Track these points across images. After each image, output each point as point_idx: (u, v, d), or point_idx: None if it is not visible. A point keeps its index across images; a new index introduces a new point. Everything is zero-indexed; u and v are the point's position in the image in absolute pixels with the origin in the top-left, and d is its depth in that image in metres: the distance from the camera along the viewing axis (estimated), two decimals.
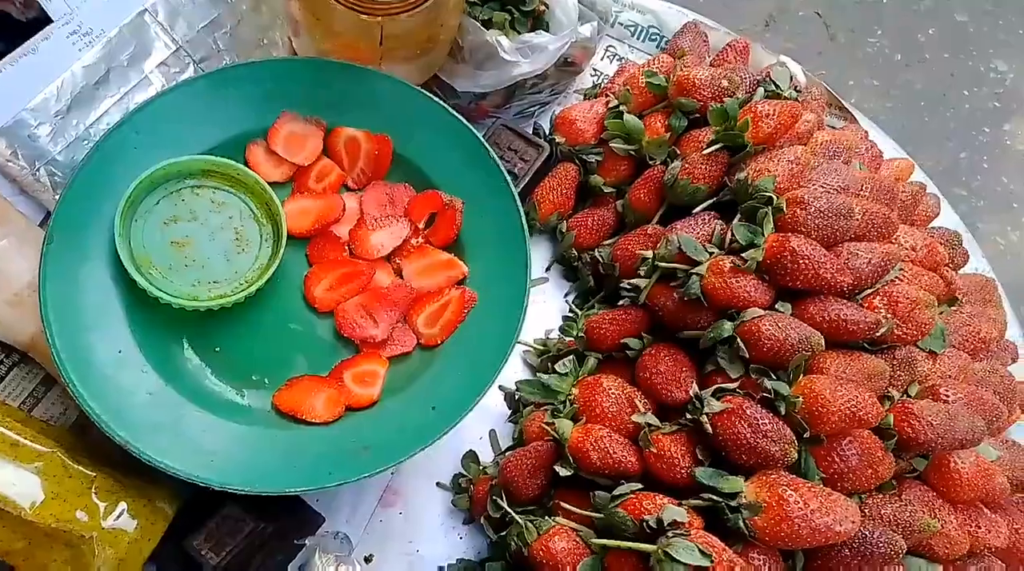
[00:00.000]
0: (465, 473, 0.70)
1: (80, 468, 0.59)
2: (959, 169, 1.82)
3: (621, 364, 0.68)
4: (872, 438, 0.57)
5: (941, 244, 0.71)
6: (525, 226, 0.66)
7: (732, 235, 0.62)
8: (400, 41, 0.66)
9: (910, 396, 0.61)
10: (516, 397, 0.72)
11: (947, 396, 0.61)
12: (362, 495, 0.70)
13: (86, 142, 0.69)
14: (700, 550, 0.51)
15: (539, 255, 0.80)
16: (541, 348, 0.75)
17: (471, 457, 0.70)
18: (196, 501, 0.63)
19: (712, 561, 0.51)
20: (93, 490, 0.59)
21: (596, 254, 0.75)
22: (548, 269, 0.80)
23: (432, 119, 0.69)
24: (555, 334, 0.76)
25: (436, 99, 0.69)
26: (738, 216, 0.64)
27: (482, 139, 0.68)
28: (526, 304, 0.64)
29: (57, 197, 0.64)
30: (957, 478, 0.59)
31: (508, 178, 0.67)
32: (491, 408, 0.74)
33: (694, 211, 0.69)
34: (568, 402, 0.65)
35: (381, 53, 0.67)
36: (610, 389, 0.64)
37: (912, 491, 0.60)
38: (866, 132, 0.81)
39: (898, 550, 0.54)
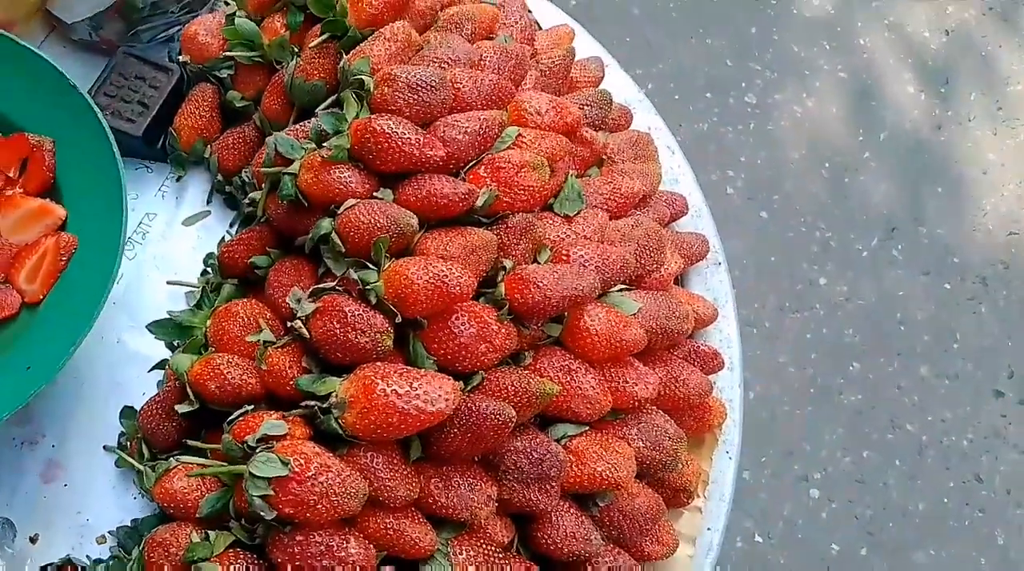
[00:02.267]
0: (125, 431, 0.65)
1: None
2: (751, 44, 1.82)
3: (262, 287, 0.64)
4: (484, 310, 0.55)
5: (584, 105, 0.68)
6: (118, 158, 0.60)
7: (321, 126, 0.58)
8: None
9: (540, 262, 0.59)
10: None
11: (568, 256, 0.58)
12: (21, 475, 0.65)
13: None
14: (280, 460, 0.48)
15: (199, 188, 0.75)
16: (203, 285, 0.70)
17: (126, 413, 0.65)
18: None
19: (291, 468, 0.48)
20: None
21: (243, 175, 0.70)
22: (209, 201, 0.74)
23: (4, 57, 0.62)
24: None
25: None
26: None
27: (59, 68, 0.62)
28: (122, 242, 0.58)
29: None
30: (587, 336, 0.58)
31: (93, 106, 0.61)
32: (159, 357, 0.69)
33: (317, 110, 0.64)
34: (203, 336, 0.61)
35: None
36: (239, 314, 0.60)
37: (548, 357, 0.58)
38: (522, 2, 0.77)
39: (507, 420, 0.52)
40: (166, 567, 0.52)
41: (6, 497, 0.65)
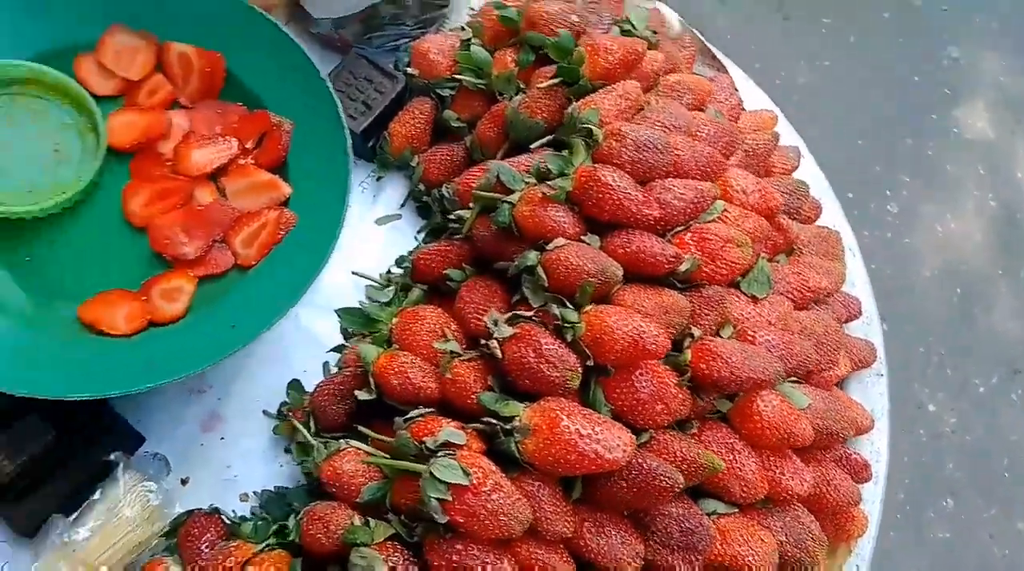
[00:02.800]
0: (288, 401, 0.69)
1: None
2: (905, 154, 1.80)
3: (449, 297, 0.67)
4: (667, 372, 0.56)
5: (783, 192, 0.69)
6: (350, 152, 0.65)
7: (546, 165, 0.61)
8: None
9: (722, 337, 0.60)
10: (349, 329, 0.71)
11: (753, 337, 0.59)
12: (183, 420, 0.69)
13: None
14: (462, 469, 0.50)
15: (396, 191, 0.79)
16: (385, 283, 0.73)
17: (295, 385, 0.69)
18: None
19: (471, 479, 0.50)
20: None
21: (443, 190, 0.73)
22: (403, 205, 0.78)
23: (265, 38, 0.68)
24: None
25: (268, 17, 0.68)
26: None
27: (311, 59, 0.67)
28: (340, 229, 0.63)
29: None
30: (758, 421, 0.58)
31: (337, 101, 0.66)
32: (328, 338, 0.72)
33: (532, 146, 0.68)
34: (387, 331, 0.64)
35: None
36: (426, 319, 0.63)
37: (713, 431, 0.58)
38: (731, 80, 0.79)
39: (675, 484, 0.53)
40: (323, 540, 0.54)
41: (167, 436, 0.69)
